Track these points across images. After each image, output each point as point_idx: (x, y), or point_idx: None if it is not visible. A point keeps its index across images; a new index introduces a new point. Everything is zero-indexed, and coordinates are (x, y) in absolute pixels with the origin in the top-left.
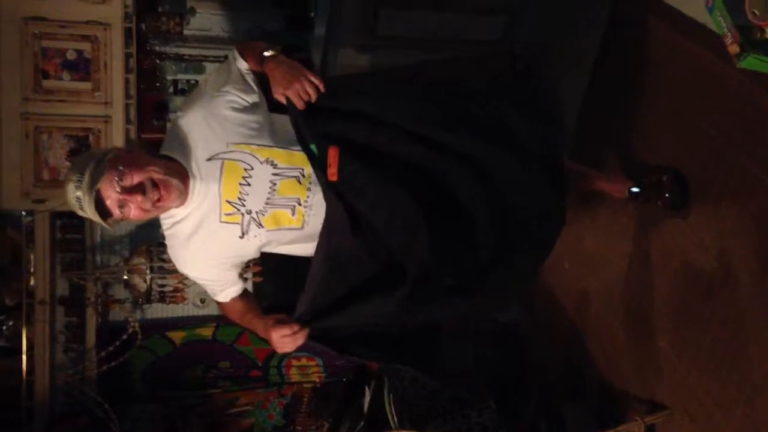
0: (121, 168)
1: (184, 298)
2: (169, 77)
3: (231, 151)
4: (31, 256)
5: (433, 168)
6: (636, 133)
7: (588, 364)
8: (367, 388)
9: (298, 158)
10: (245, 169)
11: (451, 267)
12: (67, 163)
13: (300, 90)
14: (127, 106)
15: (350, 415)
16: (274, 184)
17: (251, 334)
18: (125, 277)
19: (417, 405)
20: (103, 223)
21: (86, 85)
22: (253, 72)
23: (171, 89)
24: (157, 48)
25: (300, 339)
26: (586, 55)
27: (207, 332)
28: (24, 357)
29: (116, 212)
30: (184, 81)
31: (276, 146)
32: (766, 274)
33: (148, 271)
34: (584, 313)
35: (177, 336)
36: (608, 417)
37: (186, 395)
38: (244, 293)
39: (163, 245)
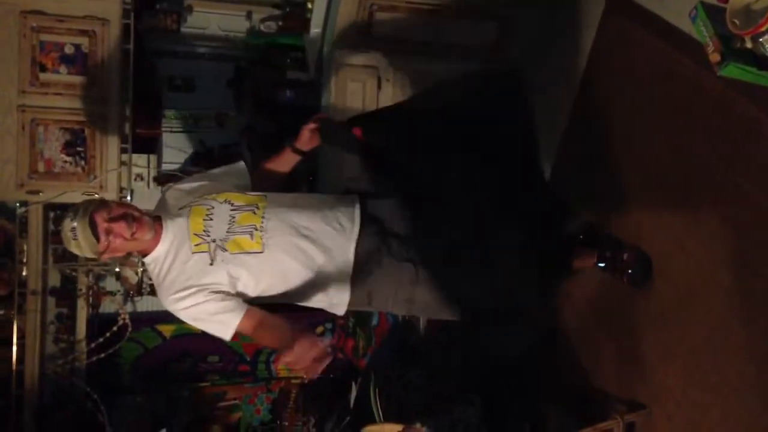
0: (109, 205)
1: None
2: (164, 74)
3: (195, 200)
4: (24, 247)
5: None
6: (622, 144)
7: (570, 366)
8: (353, 384)
9: (252, 198)
10: (207, 209)
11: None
12: (62, 156)
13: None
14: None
15: (337, 410)
16: (233, 217)
17: None
18: (117, 270)
19: (401, 400)
20: (92, 253)
21: (83, 79)
22: None
23: (166, 86)
24: (153, 45)
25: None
26: (575, 65)
27: None
28: (14, 346)
29: (103, 239)
30: (179, 78)
31: (232, 190)
32: (745, 279)
33: (139, 264)
34: (566, 316)
35: (167, 329)
36: (590, 418)
37: (174, 388)
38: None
39: None
